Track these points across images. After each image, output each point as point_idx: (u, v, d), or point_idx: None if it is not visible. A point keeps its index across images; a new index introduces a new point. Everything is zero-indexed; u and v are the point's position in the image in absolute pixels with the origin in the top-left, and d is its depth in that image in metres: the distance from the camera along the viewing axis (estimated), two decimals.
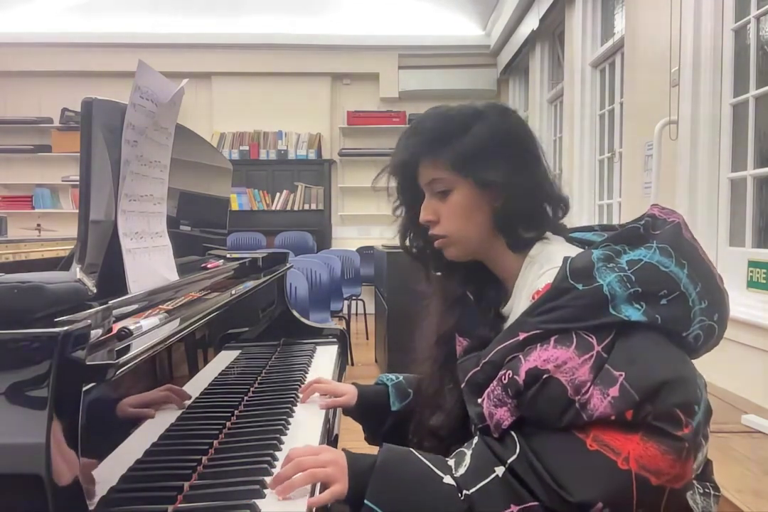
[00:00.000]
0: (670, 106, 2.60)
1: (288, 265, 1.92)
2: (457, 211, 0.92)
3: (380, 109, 6.54)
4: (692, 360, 0.83)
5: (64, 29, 6.01)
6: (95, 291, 0.82)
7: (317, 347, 1.73)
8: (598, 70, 4.01)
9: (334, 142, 6.63)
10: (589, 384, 0.73)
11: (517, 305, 0.90)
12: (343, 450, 0.86)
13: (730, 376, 1.99)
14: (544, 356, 0.76)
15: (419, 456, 0.83)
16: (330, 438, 1.13)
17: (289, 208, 6.42)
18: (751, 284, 2.15)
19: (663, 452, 0.71)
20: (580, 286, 0.77)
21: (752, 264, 2.16)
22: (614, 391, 0.72)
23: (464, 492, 0.78)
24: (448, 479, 0.80)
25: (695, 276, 0.81)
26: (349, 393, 1.20)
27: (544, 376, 0.75)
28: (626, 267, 0.79)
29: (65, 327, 0.60)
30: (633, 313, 0.76)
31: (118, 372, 0.65)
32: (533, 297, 0.84)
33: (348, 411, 1.21)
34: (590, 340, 0.75)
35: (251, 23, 6.12)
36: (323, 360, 1.62)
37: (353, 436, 1.22)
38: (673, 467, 0.72)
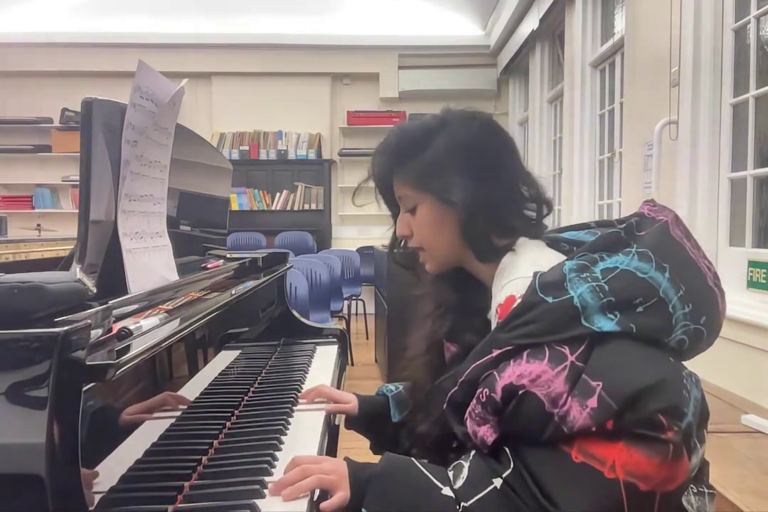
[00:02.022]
0: (670, 106, 2.60)
1: (288, 265, 1.92)
2: (424, 226, 0.95)
3: (380, 109, 6.54)
4: (684, 362, 0.81)
5: (64, 29, 6.01)
6: (95, 291, 0.82)
7: (317, 347, 1.73)
8: (598, 70, 4.01)
9: (334, 142, 6.62)
10: (566, 395, 0.72)
11: (492, 314, 0.90)
12: (345, 458, 0.86)
13: (730, 376, 1.99)
14: (518, 371, 0.75)
15: (419, 466, 0.83)
16: (331, 437, 1.13)
17: (289, 208, 6.42)
18: (751, 284, 2.15)
19: (648, 456, 0.70)
20: (550, 299, 0.76)
21: (752, 264, 2.16)
22: (592, 402, 0.71)
23: (462, 504, 0.77)
24: (447, 490, 0.79)
25: (678, 279, 0.78)
26: (352, 402, 1.20)
27: (520, 392, 0.74)
28: (600, 277, 0.77)
29: (65, 327, 0.60)
30: (606, 324, 0.74)
31: (118, 372, 0.65)
32: (497, 311, 0.85)
33: (350, 423, 1.21)
34: (563, 351, 0.74)
35: (251, 23, 6.12)
36: (323, 360, 1.62)
37: (354, 436, 1.22)
38: (659, 471, 0.71)
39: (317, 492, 0.84)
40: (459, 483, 0.79)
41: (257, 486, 0.83)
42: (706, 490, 0.84)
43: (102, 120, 0.88)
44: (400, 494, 0.79)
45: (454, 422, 0.85)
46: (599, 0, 3.95)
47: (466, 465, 0.81)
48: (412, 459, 0.85)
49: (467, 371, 0.82)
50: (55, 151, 6.29)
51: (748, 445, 1.50)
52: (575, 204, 4.11)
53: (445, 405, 0.86)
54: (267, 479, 0.85)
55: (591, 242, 0.84)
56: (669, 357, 0.78)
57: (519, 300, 0.80)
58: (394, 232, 1.03)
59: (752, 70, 2.31)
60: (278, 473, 0.89)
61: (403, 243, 1.03)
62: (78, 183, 0.87)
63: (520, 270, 0.86)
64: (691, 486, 0.81)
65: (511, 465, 0.76)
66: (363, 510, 0.79)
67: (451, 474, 0.82)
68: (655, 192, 2.73)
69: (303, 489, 0.81)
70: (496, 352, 0.78)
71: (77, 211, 0.86)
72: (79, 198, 0.86)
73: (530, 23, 4.86)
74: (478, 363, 0.81)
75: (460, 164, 0.90)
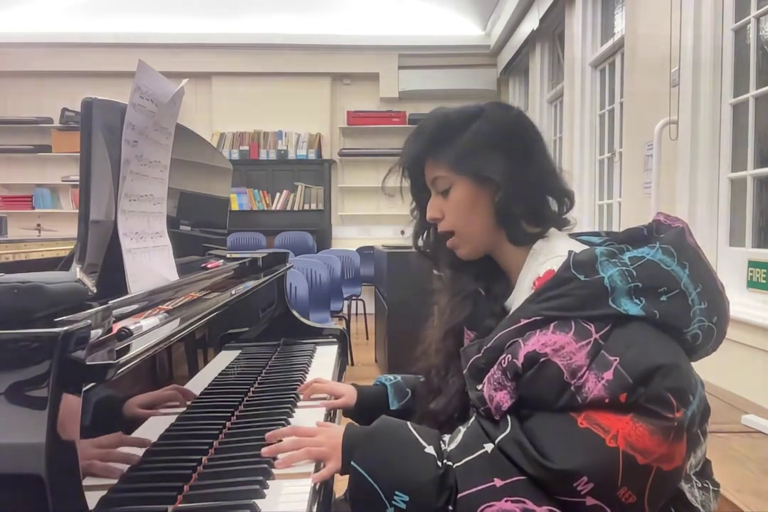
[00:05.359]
0: (670, 106, 2.60)
1: (288, 265, 1.92)
2: (458, 207, 0.95)
3: (380, 109, 6.54)
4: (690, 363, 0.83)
5: (64, 29, 6.01)
6: (95, 291, 0.82)
7: (317, 347, 1.73)
8: (598, 70, 4.01)
9: (334, 142, 6.62)
10: (585, 368, 0.75)
11: (519, 295, 0.92)
12: (348, 424, 0.92)
13: (730, 376, 1.99)
14: (542, 340, 0.78)
15: (410, 427, 0.87)
16: None
17: (289, 208, 6.42)
18: (751, 284, 2.15)
19: (651, 432, 0.73)
20: (582, 277, 0.80)
21: (752, 264, 2.16)
22: (608, 375, 0.74)
23: (445, 461, 0.81)
24: (430, 449, 0.83)
25: (696, 277, 0.82)
26: (347, 394, 1.21)
27: (542, 359, 0.77)
28: (628, 263, 0.80)
29: (65, 327, 0.60)
30: (632, 308, 0.77)
31: (118, 372, 0.65)
32: (534, 284, 0.87)
33: (347, 411, 1.22)
34: (588, 328, 0.77)
35: (251, 23, 6.12)
36: (323, 360, 1.61)
37: None
38: (659, 446, 0.72)
39: (321, 494, 0.84)
40: (452, 446, 0.84)
41: (257, 486, 0.83)
42: (711, 486, 0.86)
43: (102, 120, 0.88)
44: (386, 451, 0.83)
45: (471, 387, 0.88)
46: (599, 0, 3.95)
47: (463, 430, 0.86)
48: (407, 422, 0.89)
49: (493, 339, 0.85)
50: (55, 151, 6.29)
51: (748, 445, 1.50)
52: (575, 204, 4.11)
53: (465, 371, 0.89)
54: (267, 479, 0.85)
55: (615, 235, 0.91)
56: (681, 349, 0.81)
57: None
58: (420, 220, 1.04)
59: (752, 70, 2.31)
60: (278, 473, 0.89)
61: (429, 231, 1.04)
62: (78, 183, 0.87)
63: (558, 251, 0.89)
64: (696, 480, 0.84)
65: (508, 429, 0.79)
66: (352, 463, 0.82)
67: (447, 437, 0.87)
68: (654, 192, 2.73)
69: (294, 458, 0.90)
70: (523, 321, 0.81)
71: (77, 211, 0.86)
72: (79, 198, 0.86)
73: (530, 23, 4.86)
74: (504, 331, 0.84)
75: (499, 146, 0.92)
